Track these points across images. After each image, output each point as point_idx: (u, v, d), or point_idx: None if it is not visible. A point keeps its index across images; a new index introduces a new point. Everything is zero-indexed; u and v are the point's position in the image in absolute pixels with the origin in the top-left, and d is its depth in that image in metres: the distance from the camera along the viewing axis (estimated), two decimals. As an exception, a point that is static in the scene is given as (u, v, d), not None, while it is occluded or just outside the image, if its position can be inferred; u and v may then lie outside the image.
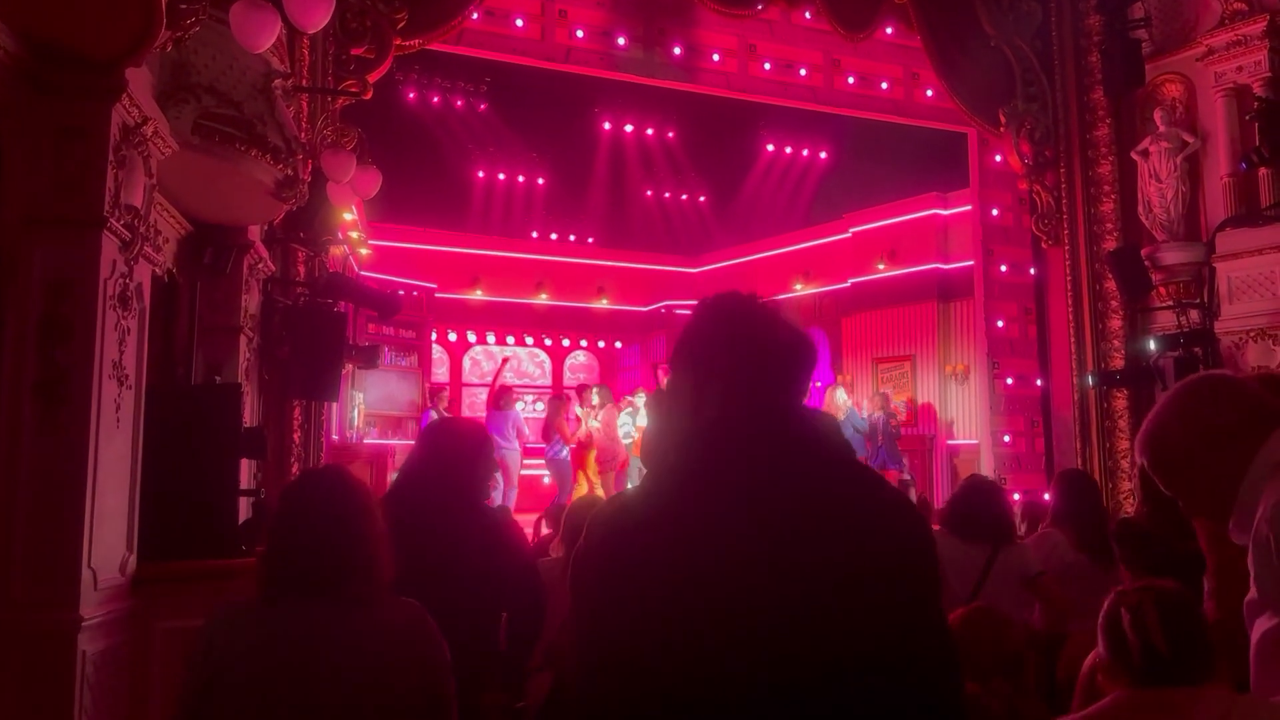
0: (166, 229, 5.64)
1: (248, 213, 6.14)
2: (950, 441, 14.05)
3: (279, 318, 7.31)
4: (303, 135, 7.74)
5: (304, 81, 7.49)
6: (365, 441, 13.18)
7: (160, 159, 4.61)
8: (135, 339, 4.38)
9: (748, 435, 1.46)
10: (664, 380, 12.18)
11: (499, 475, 11.95)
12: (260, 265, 6.90)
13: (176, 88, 4.81)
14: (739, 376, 1.53)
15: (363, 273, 13.40)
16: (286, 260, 7.81)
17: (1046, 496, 11.97)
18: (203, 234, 6.15)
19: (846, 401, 12.77)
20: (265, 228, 7.12)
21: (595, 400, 12.43)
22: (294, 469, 8.06)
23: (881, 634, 1.36)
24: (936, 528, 4.13)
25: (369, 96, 8.98)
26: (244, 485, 6.05)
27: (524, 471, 12.58)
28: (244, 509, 5.83)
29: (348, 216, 8.36)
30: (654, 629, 1.33)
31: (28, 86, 3.87)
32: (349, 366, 9.42)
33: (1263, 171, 10.46)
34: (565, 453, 12.08)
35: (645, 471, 1.57)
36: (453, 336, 17.21)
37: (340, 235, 8.88)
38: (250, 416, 6.85)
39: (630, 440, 12.15)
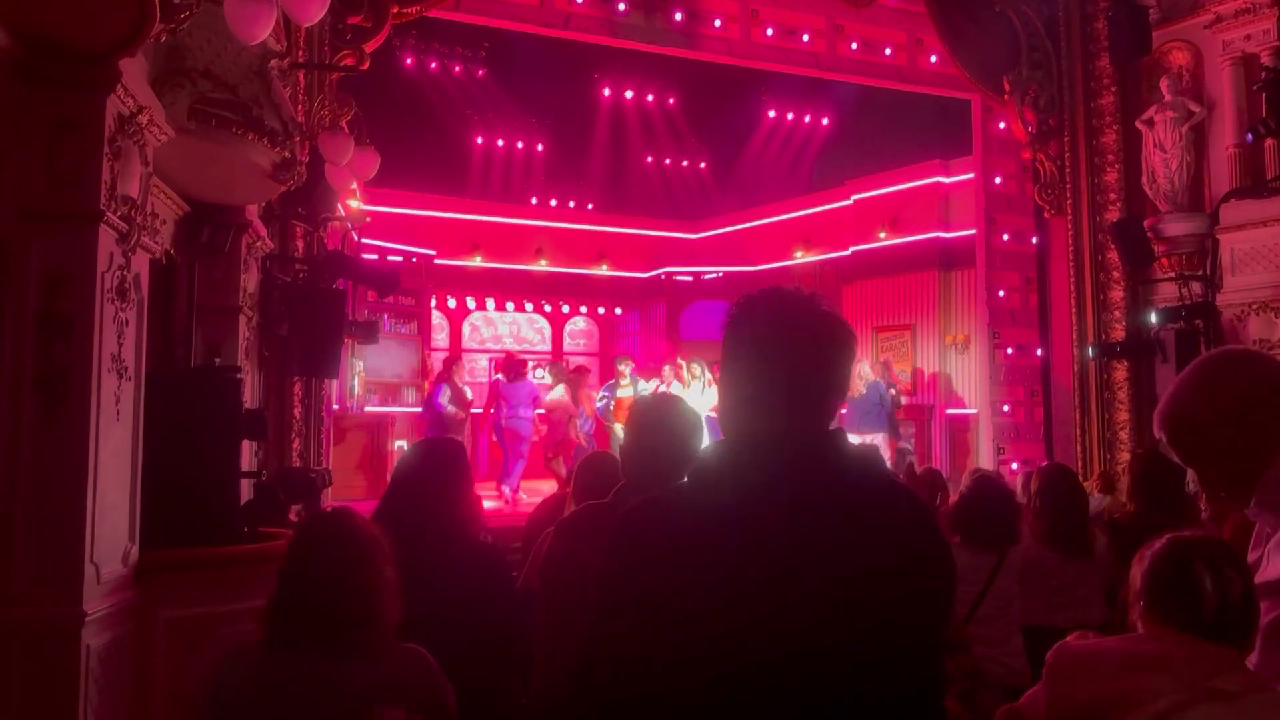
0: (163, 210, 5.59)
1: (245, 194, 6.09)
2: (949, 411, 14.07)
3: (278, 295, 7.28)
4: (300, 111, 7.67)
5: (300, 54, 7.38)
6: (366, 409, 13.18)
7: (156, 146, 4.56)
8: (134, 330, 4.36)
9: (797, 459, 1.47)
10: (623, 370, 12.16)
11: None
12: (258, 244, 6.86)
13: (172, 72, 4.74)
14: (792, 390, 1.50)
15: (362, 240, 13.32)
16: (285, 236, 7.76)
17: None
18: (200, 214, 6.10)
19: (869, 374, 12.73)
20: (263, 205, 7.06)
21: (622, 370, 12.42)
22: (295, 445, 8.08)
23: (889, 659, 1.41)
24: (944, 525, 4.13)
25: (366, 68, 8.88)
26: (245, 466, 6.06)
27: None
28: (245, 490, 5.85)
29: (353, 202, 8.27)
30: (681, 634, 1.36)
31: (19, 79, 3.82)
32: (348, 341, 9.39)
33: (1269, 142, 10.36)
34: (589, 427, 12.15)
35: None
36: (452, 303, 17.16)
37: (340, 208, 8.83)
38: (250, 394, 6.84)
39: (604, 406, 12.17)
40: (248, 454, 6.39)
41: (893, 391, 12.88)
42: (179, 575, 4.54)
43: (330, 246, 8.97)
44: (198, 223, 6.09)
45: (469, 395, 12.25)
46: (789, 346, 1.51)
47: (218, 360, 6.06)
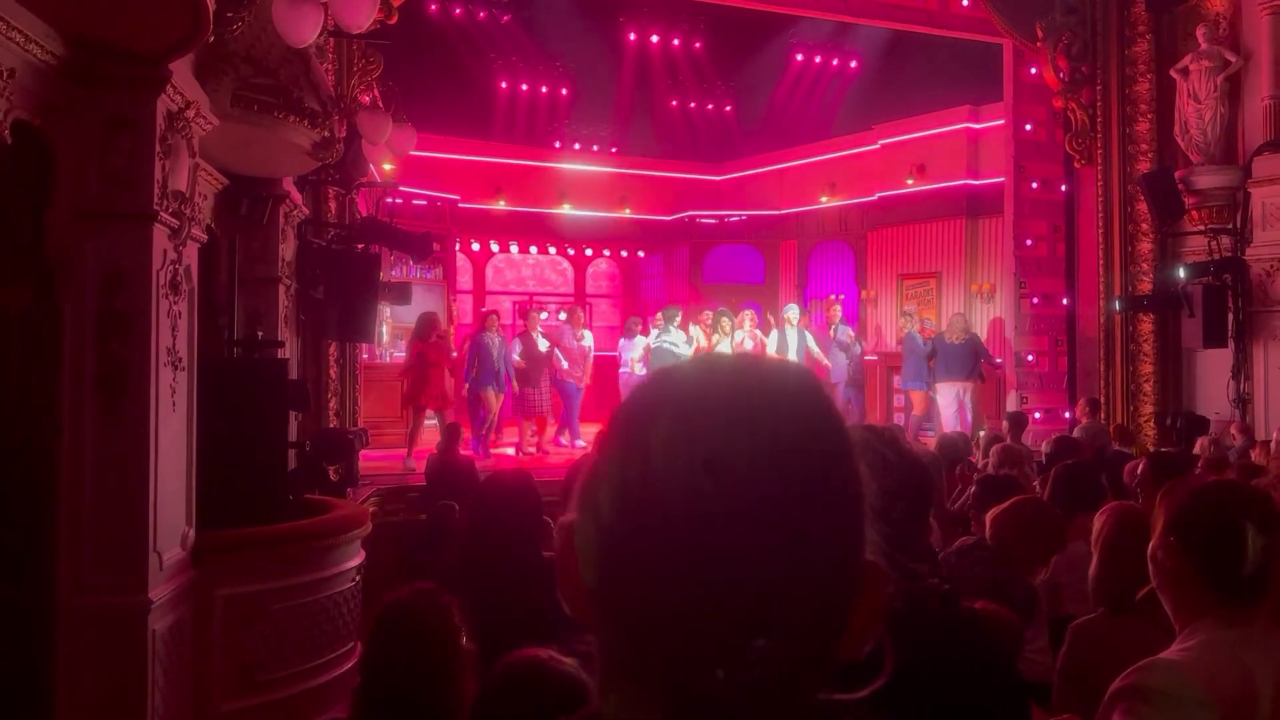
0: (204, 186, 5.66)
1: (284, 168, 6.17)
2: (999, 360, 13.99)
3: (313, 259, 7.37)
4: (330, 73, 7.67)
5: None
6: (395, 357, 13.30)
7: (202, 135, 4.63)
8: (186, 321, 4.47)
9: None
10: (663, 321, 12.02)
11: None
12: (294, 212, 6.93)
13: (215, 60, 4.77)
14: None
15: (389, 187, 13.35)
16: (318, 200, 7.83)
17: (1066, 415, 12.14)
18: (238, 186, 6.16)
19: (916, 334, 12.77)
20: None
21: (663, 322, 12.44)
22: (331, 405, 8.24)
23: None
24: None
25: (394, 21, 8.84)
26: (288, 433, 6.22)
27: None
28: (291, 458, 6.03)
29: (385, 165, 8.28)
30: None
31: (73, 82, 3.88)
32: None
33: (1306, 95, 10.24)
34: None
35: None
36: (476, 246, 17.19)
37: (372, 171, 8.87)
38: (290, 361, 6.98)
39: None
40: (290, 421, 6.55)
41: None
42: (234, 555, 4.72)
43: (361, 207, 9.04)
44: (236, 195, 6.16)
45: (542, 349, 12.12)
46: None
47: (260, 333, 6.18)
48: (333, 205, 7.96)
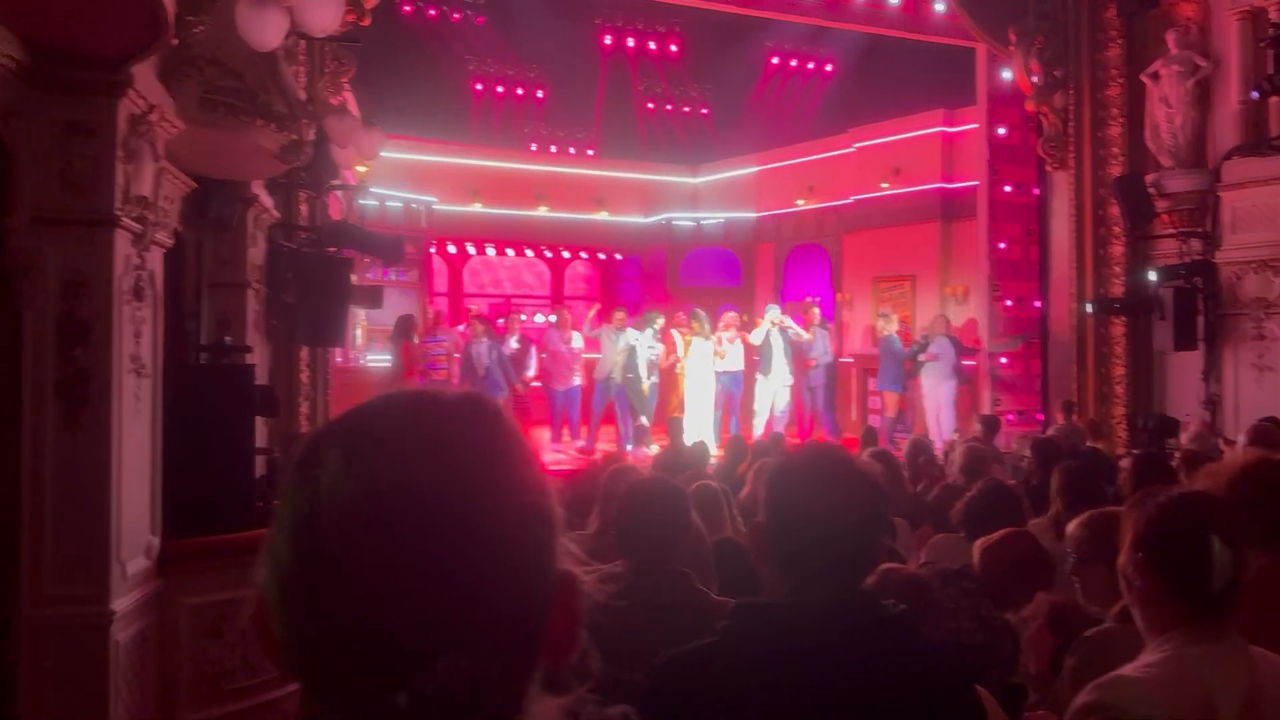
0: (171, 190, 5.60)
1: (252, 171, 6.11)
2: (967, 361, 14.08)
3: (284, 263, 7.31)
4: (302, 76, 7.61)
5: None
6: (369, 361, 13.23)
7: (167, 139, 4.58)
8: (150, 326, 4.42)
9: (831, 632, 1.52)
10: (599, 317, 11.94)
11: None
12: (264, 216, 6.87)
13: (180, 62, 4.72)
14: (827, 556, 1.56)
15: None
16: (290, 203, 7.77)
17: (1040, 417, 12.23)
18: (206, 189, 6.10)
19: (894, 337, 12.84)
20: (267, 175, 7.06)
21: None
22: (303, 409, 8.18)
23: None
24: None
25: (366, 23, 8.79)
26: (256, 438, 6.16)
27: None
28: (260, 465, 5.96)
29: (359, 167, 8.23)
30: None
31: (31, 86, 3.82)
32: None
33: (1274, 100, 10.32)
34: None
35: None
36: (452, 249, 17.12)
37: (345, 173, 8.80)
38: (259, 366, 6.91)
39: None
40: (259, 426, 6.49)
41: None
42: (201, 563, 4.67)
43: (335, 209, 8.98)
44: (204, 198, 6.09)
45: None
46: (826, 511, 1.56)
47: (228, 338, 6.12)
48: (304, 208, 7.90)
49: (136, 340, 4.26)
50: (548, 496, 0.75)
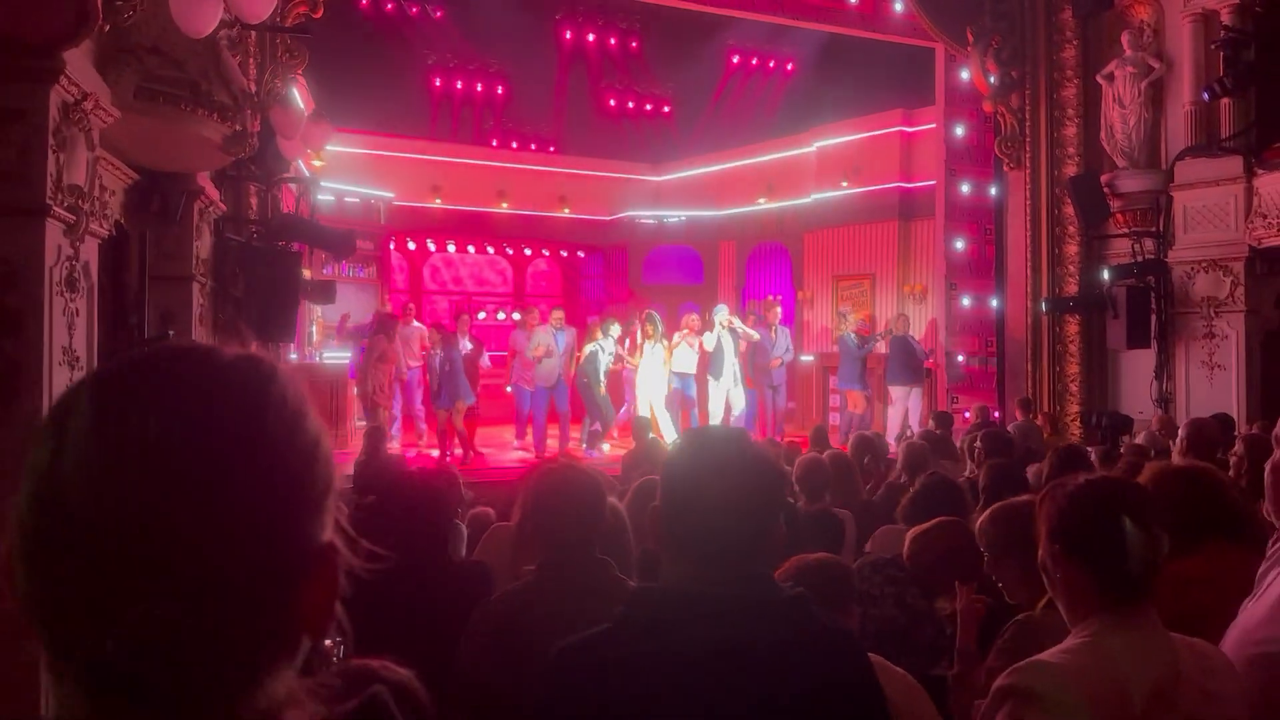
0: (111, 182, 5.50)
1: (196, 163, 6.01)
2: (929, 365, 14.16)
3: (232, 257, 7.21)
4: (252, 68, 7.51)
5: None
6: (325, 358, 13.10)
7: (103, 128, 4.48)
8: (85, 319, 4.33)
9: (730, 612, 1.51)
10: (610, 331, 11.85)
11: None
12: (210, 208, 6.77)
13: (118, 51, 4.64)
14: (725, 539, 1.54)
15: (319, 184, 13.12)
16: (239, 196, 7.66)
17: (996, 415, 12.31)
18: (150, 181, 6.00)
19: (851, 335, 12.85)
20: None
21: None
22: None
23: None
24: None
25: (319, 15, 8.69)
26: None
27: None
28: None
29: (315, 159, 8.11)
30: None
31: (-43, 71, 3.73)
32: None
33: (1225, 102, 10.48)
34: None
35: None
36: (412, 245, 16.97)
37: (300, 164, 8.69)
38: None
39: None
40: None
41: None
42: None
43: (287, 202, 8.87)
44: (148, 191, 5.99)
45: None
46: (719, 495, 1.55)
47: (171, 332, 6.02)
48: (254, 202, 7.79)
49: (70, 333, 4.17)
50: (313, 465, 0.74)
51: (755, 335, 12.58)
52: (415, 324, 12.10)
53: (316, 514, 0.74)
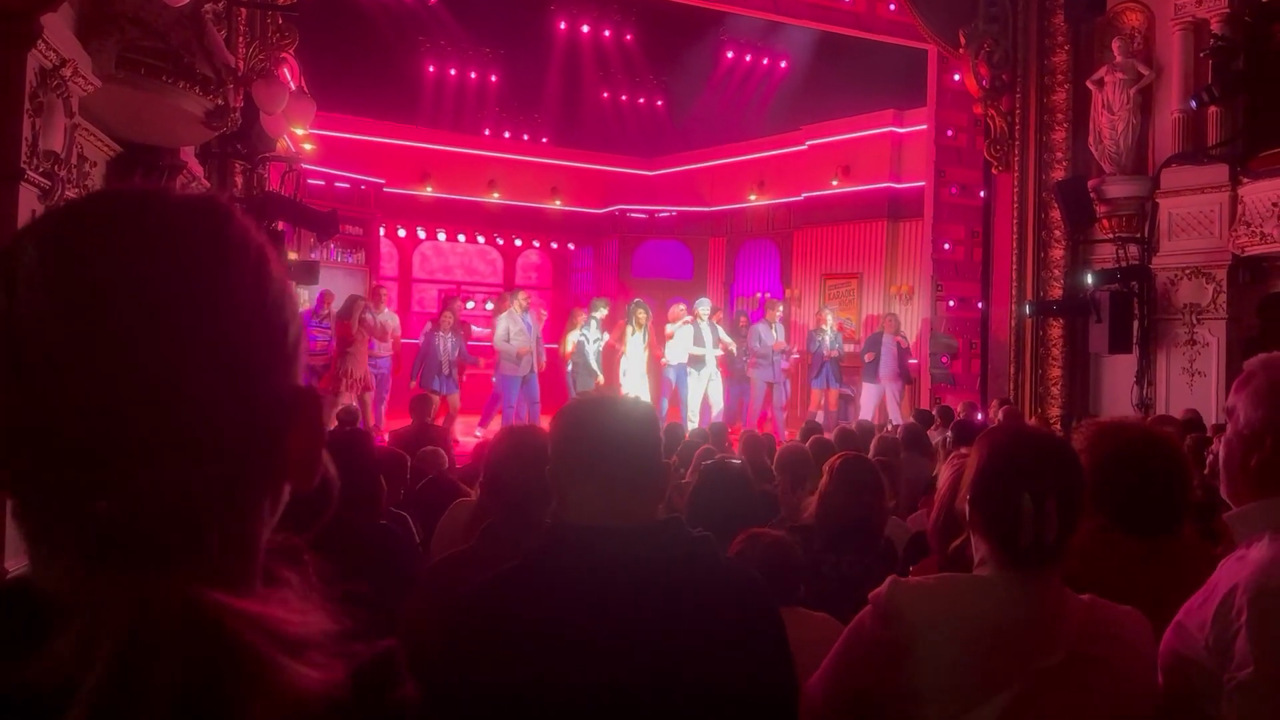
0: (92, 153, 5.50)
1: (179, 137, 6.00)
2: (868, 360, 14.21)
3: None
4: (240, 44, 7.50)
5: (240, -13, 7.20)
6: (315, 341, 13.04)
7: (82, 96, 4.49)
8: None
9: (627, 551, 1.54)
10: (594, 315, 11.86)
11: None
12: (194, 185, 6.76)
13: (99, 19, 4.64)
14: (618, 482, 1.59)
15: (309, 168, 13.11)
16: (224, 174, 7.66)
17: (980, 417, 12.36)
18: (133, 154, 6.00)
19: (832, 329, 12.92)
20: (199, 144, 6.95)
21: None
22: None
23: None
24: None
25: (311, -3, 8.70)
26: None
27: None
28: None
29: (298, 129, 8.10)
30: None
31: (-66, 32, 3.73)
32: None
33: (1212, 110, 10.54)
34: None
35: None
36: (402, 232, 16.94)
37: (286, 142, 8.68)
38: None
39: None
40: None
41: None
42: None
43: (273, 181, 8.86)
44: (130, 164, 5.99)
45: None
46: (611, 444, 1.61)
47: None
48: (239, 180, 7.78)
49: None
50: (281, 311, 0.72)
51: (733, 347, 12.69)
52: (386, 311, 12.00)
53: (292, 359, 0.72)
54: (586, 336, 11.78)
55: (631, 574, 1.50)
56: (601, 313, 12.06)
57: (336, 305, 11.91)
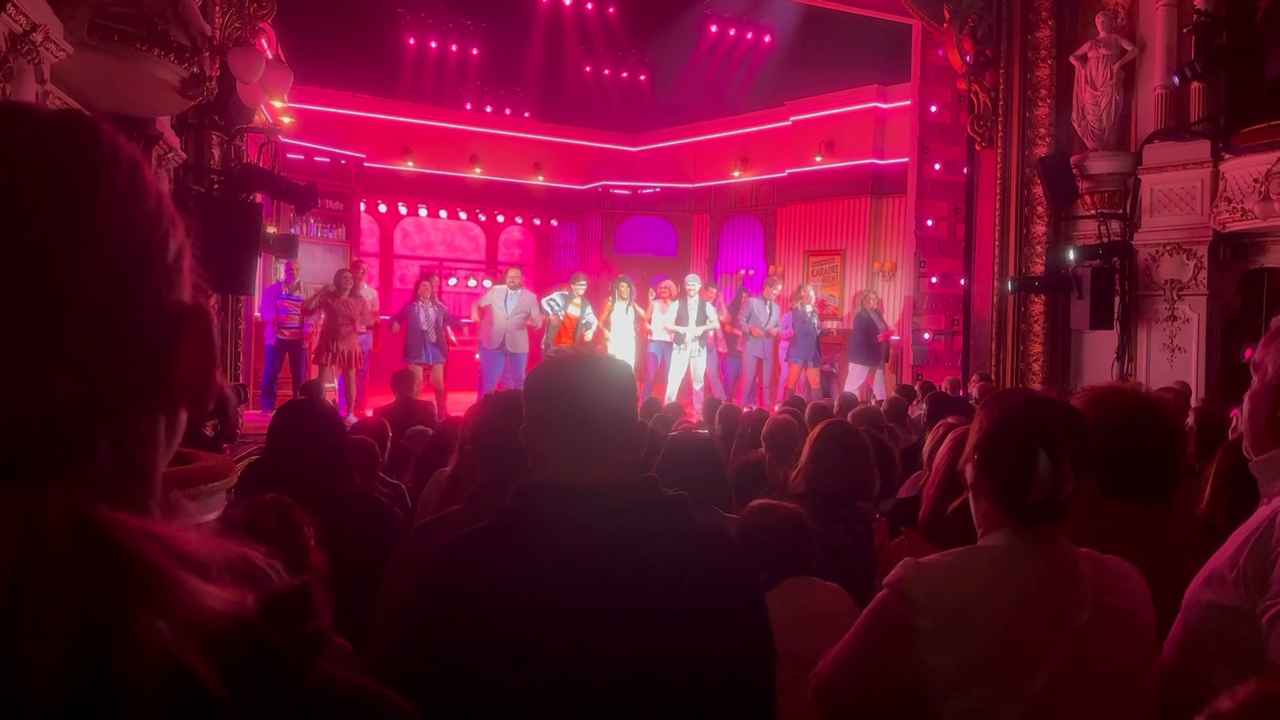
0: (67, 122, 5.42)
1: (153, 106, 5.92)
2: (881, 339, 14.25)
3: (191, 207, 7.11)
4: (216, 14, 7.39)
5: (216, -43, 7.09)
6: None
7: (54, 63, 4.40)
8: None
9: (602, 510, 1.52)
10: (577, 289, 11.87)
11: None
12: (170, 155, 6.68)
13: (70, -16, 4.55)
14: (592, 441, 1.57)
15: (289, 141, 12.98)
16: (200, 146, 7.56)
17: (961, 394, 12.40)
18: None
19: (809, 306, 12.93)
20: (175, 114, 6.86)
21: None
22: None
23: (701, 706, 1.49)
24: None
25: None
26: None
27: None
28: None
29: (277, 103, 8.00)
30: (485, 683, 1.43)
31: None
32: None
33: (1195, 86, 10.53)
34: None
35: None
36: (383, 208, 16.81)
37: (264, 113, 8.57)
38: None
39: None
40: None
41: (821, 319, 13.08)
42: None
43: (251, 154, 8.76)
44: (104, 134, 5.90)
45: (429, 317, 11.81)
46: (592, 393, 1.59)
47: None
48: (216, 152, 7.69)
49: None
50: (159, 224, 0.69)
51: (714, 326, 12.72)
52: (366, 287, 11.93)
53: (173, 273, 0.70)
54: (584, 312, 11.83)
55: (602, 531, 1.48)
56: (582, 286, 12.08)
57: (304, 278, 11.84)
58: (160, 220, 0.70)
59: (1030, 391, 2.15)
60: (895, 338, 13.00)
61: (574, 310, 11.98)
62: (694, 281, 12.31)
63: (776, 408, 8.32)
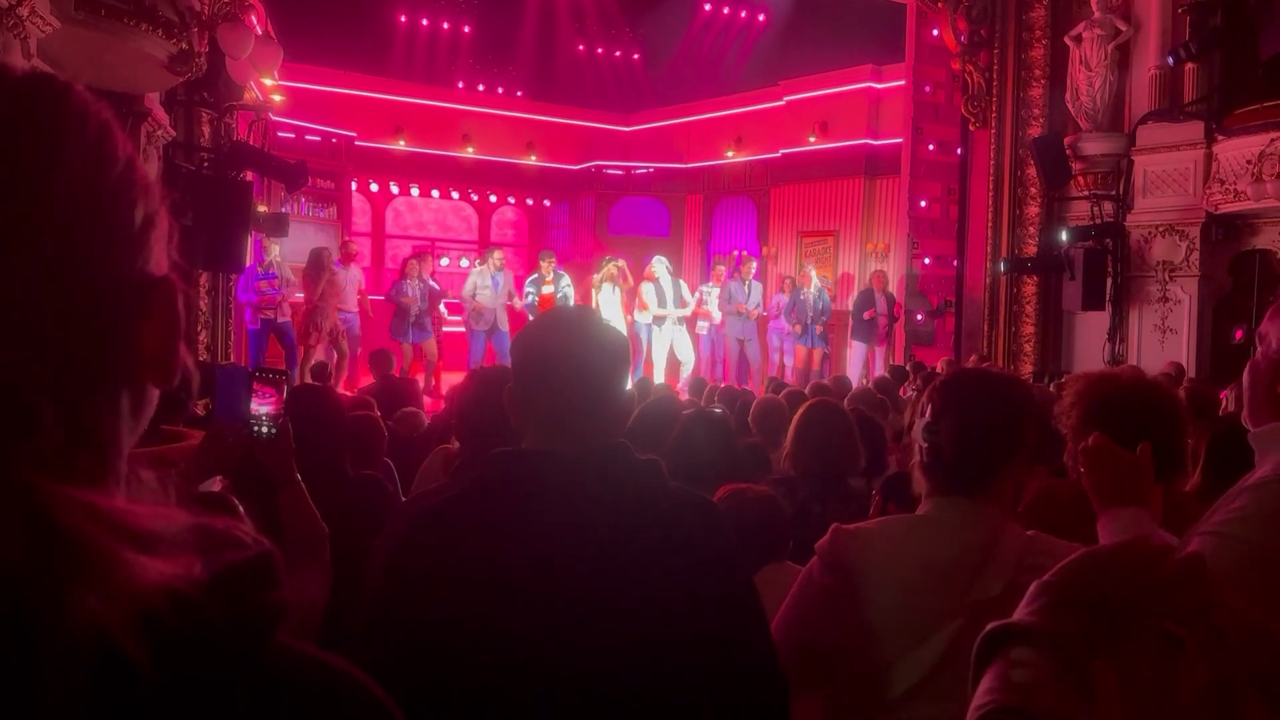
0: (54, 98, 5.37)
1: (142, 83, 5.87)
2: (866, 318, 14.27)
3: (182, 184, 7.07)
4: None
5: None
6: (296, 299, 12.91)
7: (41, 37, 4.36)
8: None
9: (579, 476, 1.51)
10: (545, 265, 11.87)
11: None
12: (159, 132, 6.63)
13: (55, -43, 4.50)
14: (571, 406, 1.55)
15: (280, 120, 12.90)
16: (190, 123, 7.52)
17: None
18: (95, 101, 5.86)
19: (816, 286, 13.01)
20: (165, 91, 6.81)
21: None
22: (201, 338, 7.98)
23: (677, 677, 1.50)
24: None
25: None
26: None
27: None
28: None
29: (268, 81, 7.94)
30: (459, 652, 1.43)
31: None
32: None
33: (1189, 66, 10.52)
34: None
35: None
36: (374, 187, 16.71)
37: (254, 89, 8.51)
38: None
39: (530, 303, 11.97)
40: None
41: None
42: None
43: (241, 131, 8.71)
44: (93, 110, 5.86)
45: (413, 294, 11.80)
46: (572, 361, 1.55)
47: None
48: (206, 129, 7.64)
49: None
50: (127, 191, 0.67)
51: (688, 308, 12.81)
52: (353, 268, 11.90)
53: (140, 242, 0.68)
54: (570, 291, 11.84)
55: (573, 499, 1.48)
56: (549, 263, 12.18)
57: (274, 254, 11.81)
58: (127, 188, 0.67)
59: (977, 370, 2.19)
60: (879, 315, 13.04)
61: (547, 290, 12.01)
62: (659, 264, 12.45)
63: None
